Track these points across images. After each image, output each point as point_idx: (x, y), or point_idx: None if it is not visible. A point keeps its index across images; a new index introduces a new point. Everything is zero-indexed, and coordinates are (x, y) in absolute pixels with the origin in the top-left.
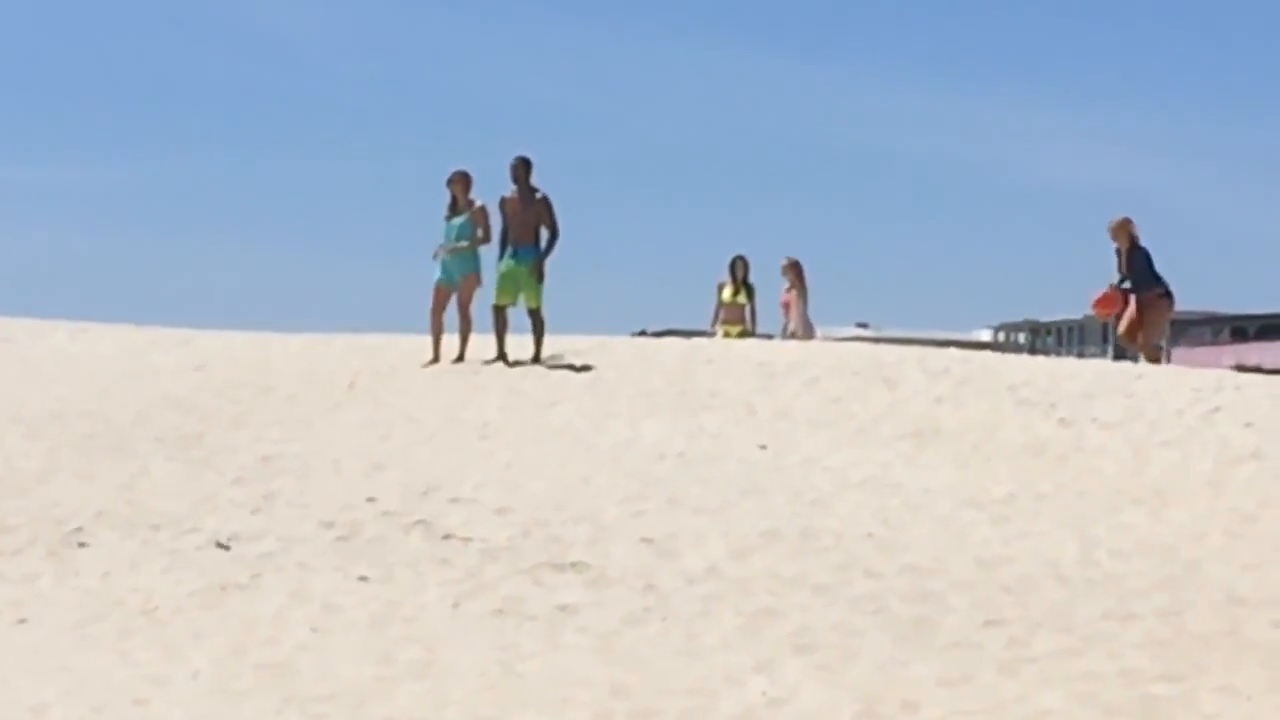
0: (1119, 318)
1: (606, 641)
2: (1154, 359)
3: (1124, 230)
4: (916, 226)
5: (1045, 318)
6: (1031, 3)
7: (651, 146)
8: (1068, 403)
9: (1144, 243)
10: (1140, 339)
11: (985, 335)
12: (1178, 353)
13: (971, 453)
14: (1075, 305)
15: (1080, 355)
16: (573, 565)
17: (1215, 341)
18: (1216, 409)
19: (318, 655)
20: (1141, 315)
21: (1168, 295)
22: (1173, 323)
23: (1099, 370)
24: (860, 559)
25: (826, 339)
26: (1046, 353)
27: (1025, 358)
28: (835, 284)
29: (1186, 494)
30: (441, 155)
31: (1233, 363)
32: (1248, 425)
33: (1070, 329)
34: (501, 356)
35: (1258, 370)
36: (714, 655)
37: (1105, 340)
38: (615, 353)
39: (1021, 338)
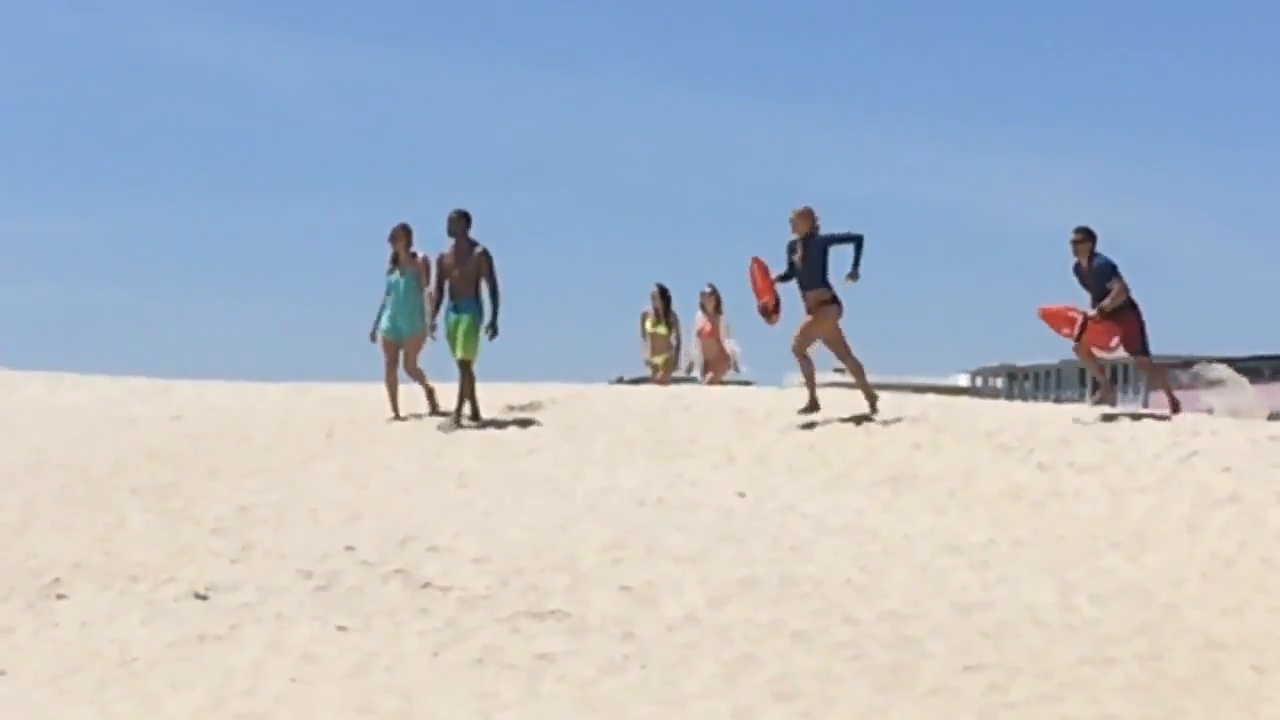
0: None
1: (586, 690)
2: (806, 370)
3: (806, 219)
4: (892, 271)
5: (1022, 362)
6: (1005, 47)
7: (627, 192)
8: (1045, 448)
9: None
10: (796, 341)
11: (962, 380)
12: (1155, 397)
13: (949, 498)
14: (1052, 350)
15: (1058, 400)
16: (551, 613)
17: (1193, 385)
18: (1194, 453)
19: (297, 706)
20: (809, 316)
21: (835, 301)
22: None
23: (1076, 415)
24: (839, 605)
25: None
26: (1024, 397)
27: (1002, 403)
28: None
29: (1164, 538)
30: (417, 203)
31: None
32: (1225, 469)
33: (1047, 373)
34: (461, 411)
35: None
36: (693, 703)
37: (1083, 384)
38: (592, 400)
39: (999, 382)
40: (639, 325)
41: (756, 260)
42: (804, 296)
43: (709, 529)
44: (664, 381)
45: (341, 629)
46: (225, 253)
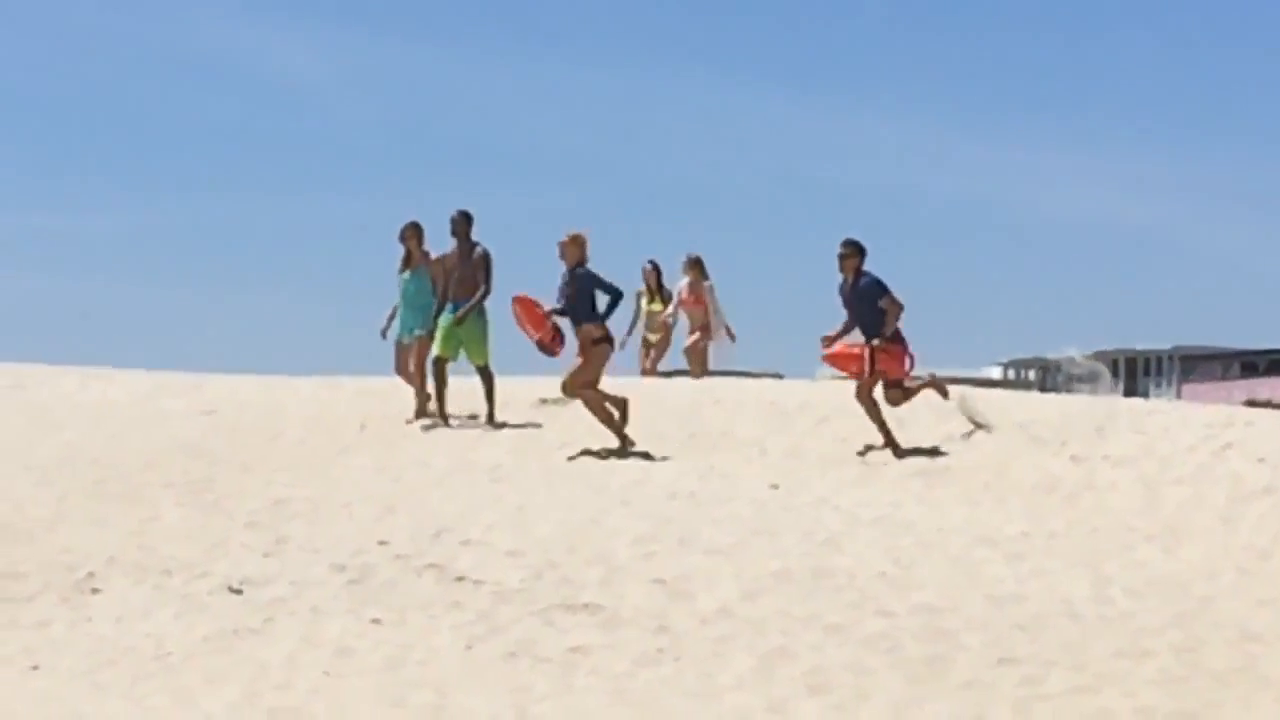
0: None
1: (619, 683)
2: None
3: (573, 247)
4: (925, 264)
5: (1055, 354)
6: (1034, 40)
7: (656, 185)
8: (1079, 440)
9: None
10: (567, 382)
11: (995, 372)
12: (1188, 389)
13: (983, 491)
14: (1086, 342)
15: (1091, 392)
16: (585, 607)
17: (1226, 377)
18: (1228, 445)
19: (331, 699)
20: (579, 355)
21: (607, 339)
22: (1183, 358)
23: (1109, 407)
24: (872, 598)
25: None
26: (1056, 390)
27: (1035, 395)
28: None
29: (1199, 530)
30: (448, 197)
31: (1244, 398)
32: (1260, 460)
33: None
34: (442, 415)
35: (1269, 405)
36: (727, 696)
37: (1116, 375)
38: (624, 393)
39: (1031, 375)
40: (634, 302)
41: (516, 300)
42: (575, 332)
43: (742, 522)
44: (656, 361)
45: (375, 622)
46: (256, 247)
